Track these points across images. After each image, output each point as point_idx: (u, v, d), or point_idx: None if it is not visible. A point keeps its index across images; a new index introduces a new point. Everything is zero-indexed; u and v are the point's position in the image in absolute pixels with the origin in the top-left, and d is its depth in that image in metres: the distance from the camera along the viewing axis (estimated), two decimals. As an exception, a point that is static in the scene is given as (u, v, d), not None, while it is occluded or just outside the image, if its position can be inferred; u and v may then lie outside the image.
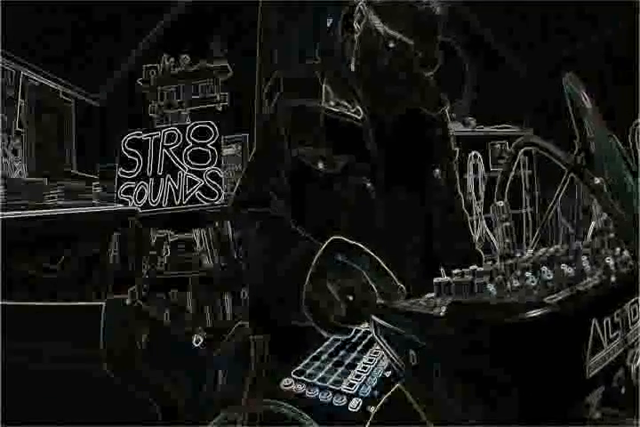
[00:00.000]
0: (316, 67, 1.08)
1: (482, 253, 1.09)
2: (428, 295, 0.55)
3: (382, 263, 0.68)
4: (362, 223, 0.95)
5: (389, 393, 0.62)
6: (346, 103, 1.00)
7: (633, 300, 0.45)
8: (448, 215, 1.11)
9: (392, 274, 0.66)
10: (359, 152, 1.00)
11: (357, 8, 0.99)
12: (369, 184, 0.99)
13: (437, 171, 1.08)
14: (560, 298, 0.41)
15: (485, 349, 0.41)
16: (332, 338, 0.74)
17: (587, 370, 0.40)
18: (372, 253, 0.69)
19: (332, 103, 0.99)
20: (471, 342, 0.42)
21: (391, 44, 0.92)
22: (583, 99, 0.47)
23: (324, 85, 1.01)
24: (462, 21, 3.57)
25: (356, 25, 1.01)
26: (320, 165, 0.97)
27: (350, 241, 0.71)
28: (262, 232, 0.93)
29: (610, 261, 0.45)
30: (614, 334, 0.42)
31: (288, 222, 0.93)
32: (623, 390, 0.43)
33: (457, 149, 1.18)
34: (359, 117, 0.99)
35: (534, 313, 0.38)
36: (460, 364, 0.44)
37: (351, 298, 0.66)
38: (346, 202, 0.98)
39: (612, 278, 0.44)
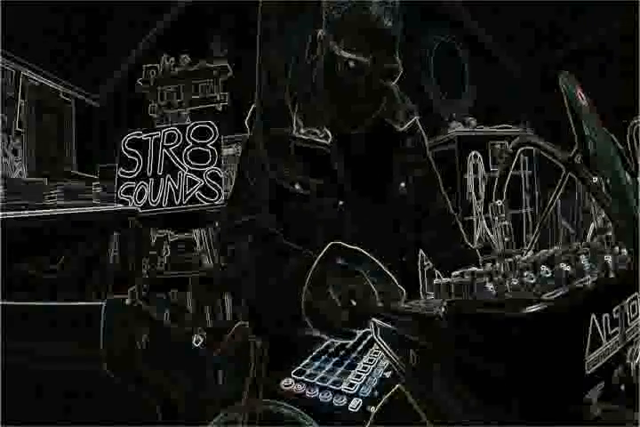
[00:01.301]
0: (287, 94, 1.09)
1: (477, 251, 1.09)
2: (428, 296, 0.55)
3: (382, 265, 0.68)
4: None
5: (389, 393, 0.62)
6: (316, 130, 1.02)
7: (632, 297, 0.45)
8: (428, 222, 1.11)
9: (392, 276, 0.66)
10: (330, 175, 1.02)
11: (319, 33, 1.02)
12: (340, 204, 1.02)
13: (402, 184, 1.08)
14: (558, 295, 0.41)
15: (485, 347, 0.41)
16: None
17: (586, 366, 0.40)
18: (372, 256, 0.69)
19: (302, 131, 1.02)
20: (471, 341, 0.42)
21: (352, 65, 0.94)
22: (579, 98, 0.47)
23: (294, 116, 1.04)
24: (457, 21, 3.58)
25: (319, 47, 1.03)
26: (297, 187, 1.01)
27: (349, 246, 0.72)
28: (254, 244, 0.95)
29: (609, 259, 0.45)
30: (613, 330, 0.42)
31: (279, 236, 0.95)
32: (623, 387, 0.43)
33: (430, 156, 1.18)
34: (328, 143, 1.01)
35: (532, 309, 0.38)
36: (459, 364, 0.44)
37: (354, 302, 0.66)
38: (320, 222, 1.00)
39: (611, 275, 0.44)
